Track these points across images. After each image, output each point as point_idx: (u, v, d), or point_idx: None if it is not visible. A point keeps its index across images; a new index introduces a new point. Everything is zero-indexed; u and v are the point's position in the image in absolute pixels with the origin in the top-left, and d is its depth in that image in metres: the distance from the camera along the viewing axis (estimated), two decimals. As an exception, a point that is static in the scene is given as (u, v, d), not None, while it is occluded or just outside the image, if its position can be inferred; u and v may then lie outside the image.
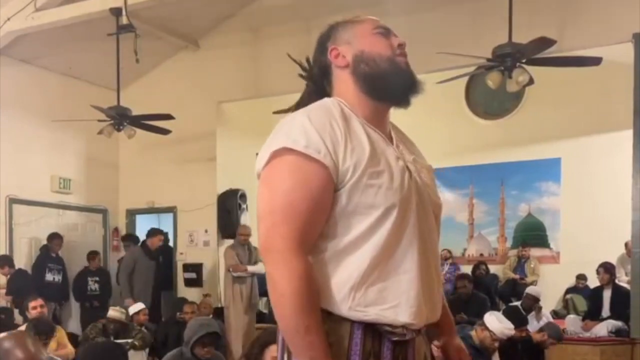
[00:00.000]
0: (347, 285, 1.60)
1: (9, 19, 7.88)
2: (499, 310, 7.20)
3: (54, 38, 8.33)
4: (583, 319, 8.17)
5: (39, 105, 9.01)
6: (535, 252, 9.95)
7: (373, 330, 1.62)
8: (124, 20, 7.26)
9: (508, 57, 6.13)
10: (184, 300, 8.01)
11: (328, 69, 1.78)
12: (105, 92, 8.81)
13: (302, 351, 1.57)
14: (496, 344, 4.99)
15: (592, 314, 8.12)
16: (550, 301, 9.28)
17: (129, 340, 6.48)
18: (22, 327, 5.65)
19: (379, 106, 1.74)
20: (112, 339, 6.38)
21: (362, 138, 1.64)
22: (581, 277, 9.22)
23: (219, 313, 8.42)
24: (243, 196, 9.44)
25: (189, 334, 4.48)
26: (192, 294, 9.01)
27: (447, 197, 10.06)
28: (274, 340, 1.84)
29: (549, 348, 6.25)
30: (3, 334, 2.91)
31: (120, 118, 7.64)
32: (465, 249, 10.66)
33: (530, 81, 6.32)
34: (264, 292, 7.96)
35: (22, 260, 8.90)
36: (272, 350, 3.12)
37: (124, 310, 6.94)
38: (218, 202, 9.37)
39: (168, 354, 4.58)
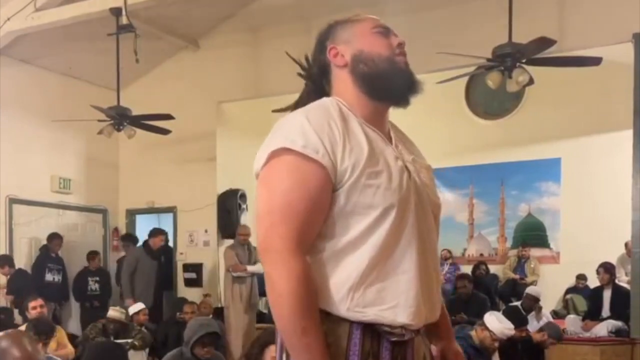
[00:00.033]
0: (345, 286, 1.59)
1: (9, 19, 7.88)
2: (499, 310, 7.20)
3: (54, 38, 8.33)
4: (583, 319, 8.16)
5: (39, 105, 9.01)
6: (535, 252, 9.94)
7: (372, 330, 1.62)
8: (124, 20, 7.26)
9: (508, 57, 6.13)
10: (183, 300, 8.02)
11: (327, 68, 1.77)
12: (105, 92, 8.81)
13: (298, 353, 1.56)
14: (496, 344, 4.98)
15: (592, 314, 8.12)
16: (550, 301, 9.27)
17: (129, 340, 6.48)
18: (22, 327, 5.65)
19: (378, 106, 1.73)
20: (112, 339, 6.38)
21: (361, 138, 1.63)
22: (581, 277, 9.22)
23: (219, 313, 8.42)
24: (243, 196, 9.43)
25: (189, 334, 4.48)
26: (192, 294, 9.00)
27: (447, 197, 10.07)
28: (274, 340, 1.84)
29: (549, 348, 6.24)
30: (0, 333, 2.91)
31: (120, 118, 7.63)
32: (465, 249, 10.65)
33: (530, 81, 6.31)
34: (263, 292, 7.85)
35: (22, 260, 8.90)
36: (272, 350, 3.12)
37: (123, 310, 6.95)
38: (218, 202, 9.36)
39: (168, 354, 4.59)
